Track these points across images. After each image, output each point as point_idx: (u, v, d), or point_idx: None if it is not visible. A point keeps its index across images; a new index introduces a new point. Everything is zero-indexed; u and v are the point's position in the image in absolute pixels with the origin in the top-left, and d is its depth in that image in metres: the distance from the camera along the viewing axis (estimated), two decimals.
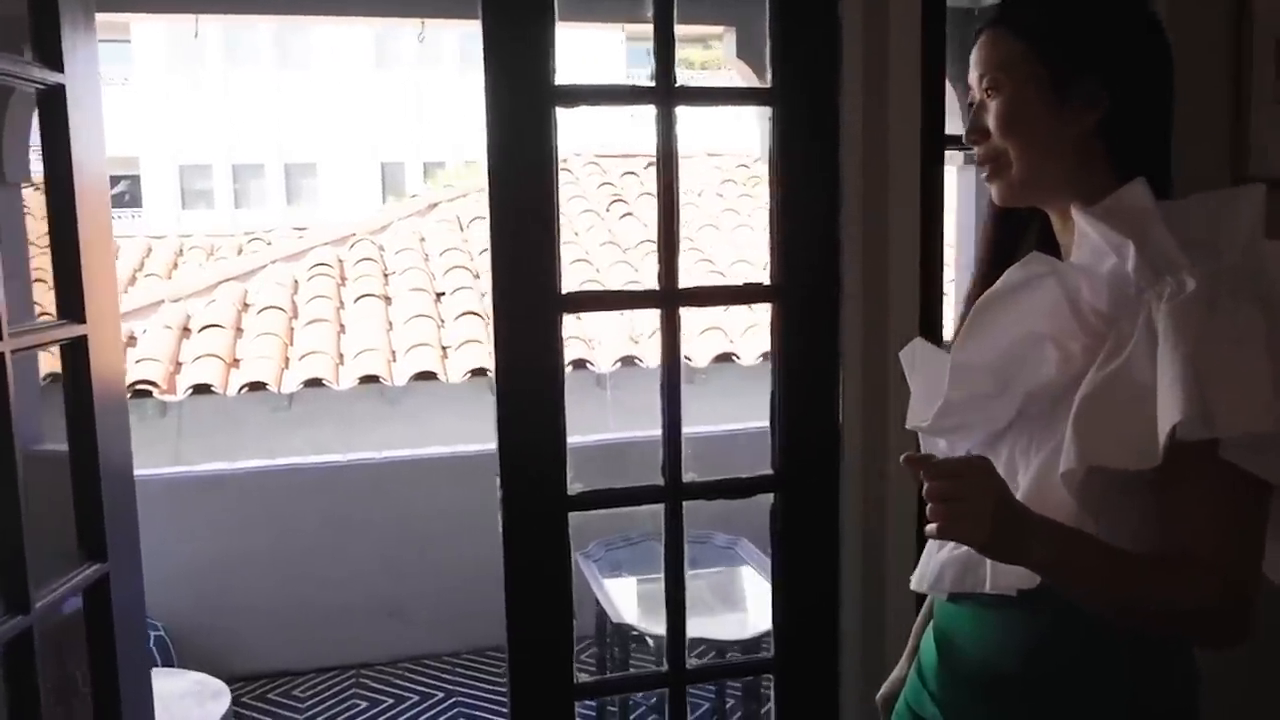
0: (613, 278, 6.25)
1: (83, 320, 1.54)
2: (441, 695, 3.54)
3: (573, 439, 4.15)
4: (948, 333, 3.28)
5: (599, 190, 7.43)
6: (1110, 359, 1.00)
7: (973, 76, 1.15)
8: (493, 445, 4.06)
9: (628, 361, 5.38)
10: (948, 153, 1.92)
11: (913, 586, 1.28)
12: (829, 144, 1.86)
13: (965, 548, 1.13)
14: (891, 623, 1.98)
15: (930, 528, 0.97)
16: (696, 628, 2.84)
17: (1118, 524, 1.01)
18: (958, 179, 3.52)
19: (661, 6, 1.75)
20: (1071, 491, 1.01)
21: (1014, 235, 1.25)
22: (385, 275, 6.26)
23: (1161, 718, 1.11)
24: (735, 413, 4.01)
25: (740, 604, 3.18)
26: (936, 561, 1.19)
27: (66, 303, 1.53)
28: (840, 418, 1.93)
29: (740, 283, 5.91)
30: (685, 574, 1.92)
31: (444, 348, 5.50)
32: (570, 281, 6.74)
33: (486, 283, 6.59)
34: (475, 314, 5.77)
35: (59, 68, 1.51)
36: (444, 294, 6.05)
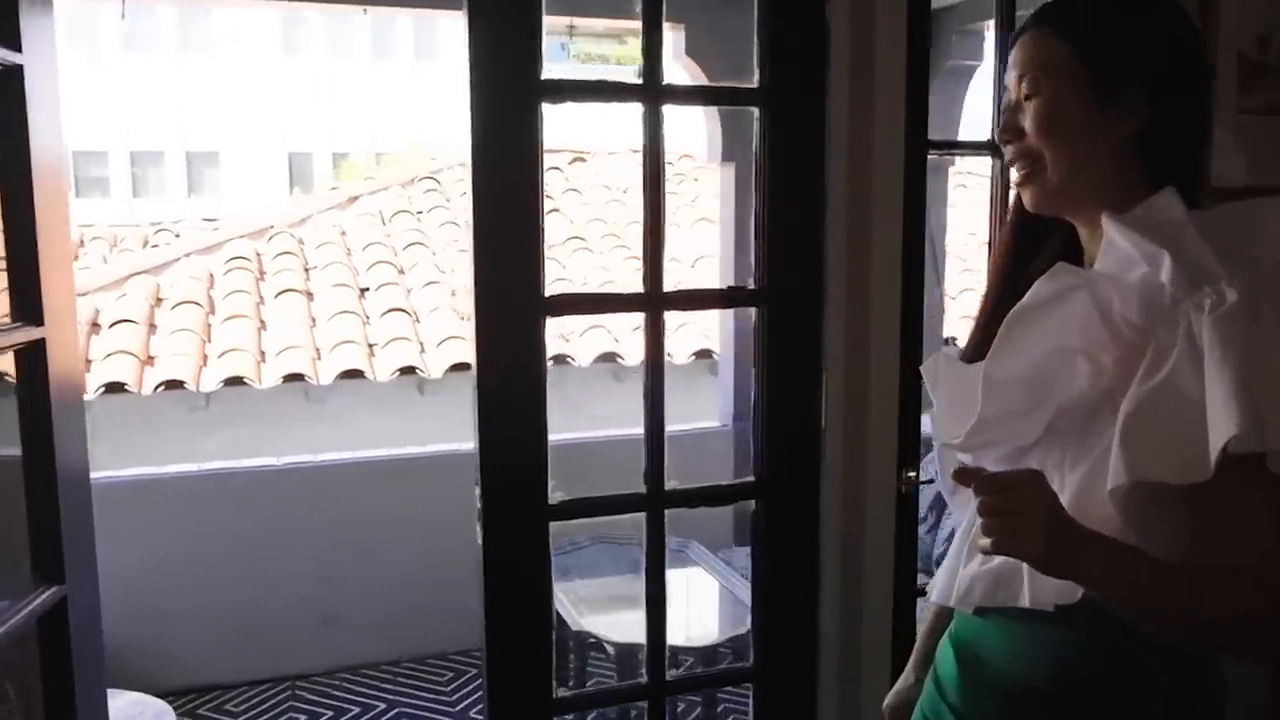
0: None
1: (40, 322, 1.42)
2: (384, 705, 3.42)
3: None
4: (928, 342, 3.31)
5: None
6: (1153, 372, 0.99)
7: (1011, 76, 1.13)
8: (432, 448, 3.98)
9: (559, 360, 5.31)
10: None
11: (934, 600, 1.26)
12: (816, 146, 1.84)
13: (997, 561, 1.12)
14: (868, 625, 1.98)
15: (984, 543, 0.94)
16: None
17: (1152, 536, 1.00)
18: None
19: (650, 5, 1.70)
20: (1117, 506, 1.00)
21: (1035, 243, 1.24)
22: (306, 270, 6.06)
23: None
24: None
25: (698, 609, 3.15)
26: (965, 575, 1.17)
27: (22, 303, 1.41)
28: (823, 422, 1.91)
29: (673, 282, 5.91)
30: (661, 581, 1.88)
31: (370, 345, 5.35)
32: None
33: (412, 278, 6.43)
34: (402, 310, 5.63)
35: (16, 46, 1.39)
36: (368, 290, 5.89)
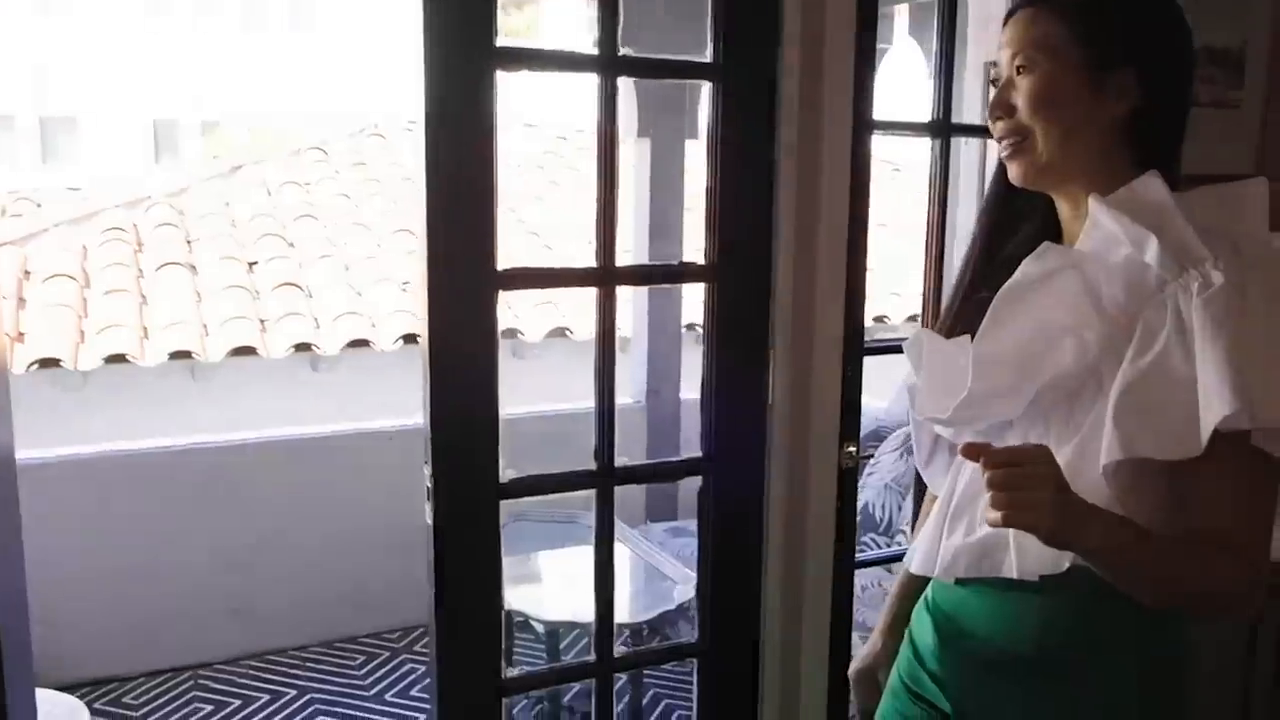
0: None
1: None
2: (294, 693, 3.32)
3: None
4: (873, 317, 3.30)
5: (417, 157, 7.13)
6: (1143, 351, 1.03)
7: (1004, 54, 1.15)
8: (334, 427, 3.87)
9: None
10: None
11: (914, 570, 1.28)
12: (767, 123, 1.84)
13: (981, 533, 1.15)
14: (809, 599, 2.01)
15: (994, 516, 0.96)
16: (582, 612, 2.80)
17: (1137, 509, 1.04)
18: None
19: None
20: (1107, 481, 1.04)
21: (1014, 220, 1.27)
22: (189, 242, 5.78)
23: (1164, 689, 1.16)
24: (569, 389, 3.97)
25: (621, 586, 3.14)
26: (949, 547, 1.19)
27: None
28: (770, 398, 1.92)
29: (571, 260, 5.85)
30: (610, 558, 1.87)
31: (261, 321, 5.15)
32: (395, 254, 6.42)
33: (302, 252, 6.20)
34: (294, 285, 5.44)
35: None
36: (256, 263, 5.66)
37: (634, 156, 3.70)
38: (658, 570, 3.06)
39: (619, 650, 2.31)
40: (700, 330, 1.92)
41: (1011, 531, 1.08)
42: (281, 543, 3.62)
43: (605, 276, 1.77)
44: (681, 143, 3.76)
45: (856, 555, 2.09)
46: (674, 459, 1.95)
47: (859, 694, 1.43)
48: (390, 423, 3.85)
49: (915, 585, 1.41)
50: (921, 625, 1.30)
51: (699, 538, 1.96)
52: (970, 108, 3.16)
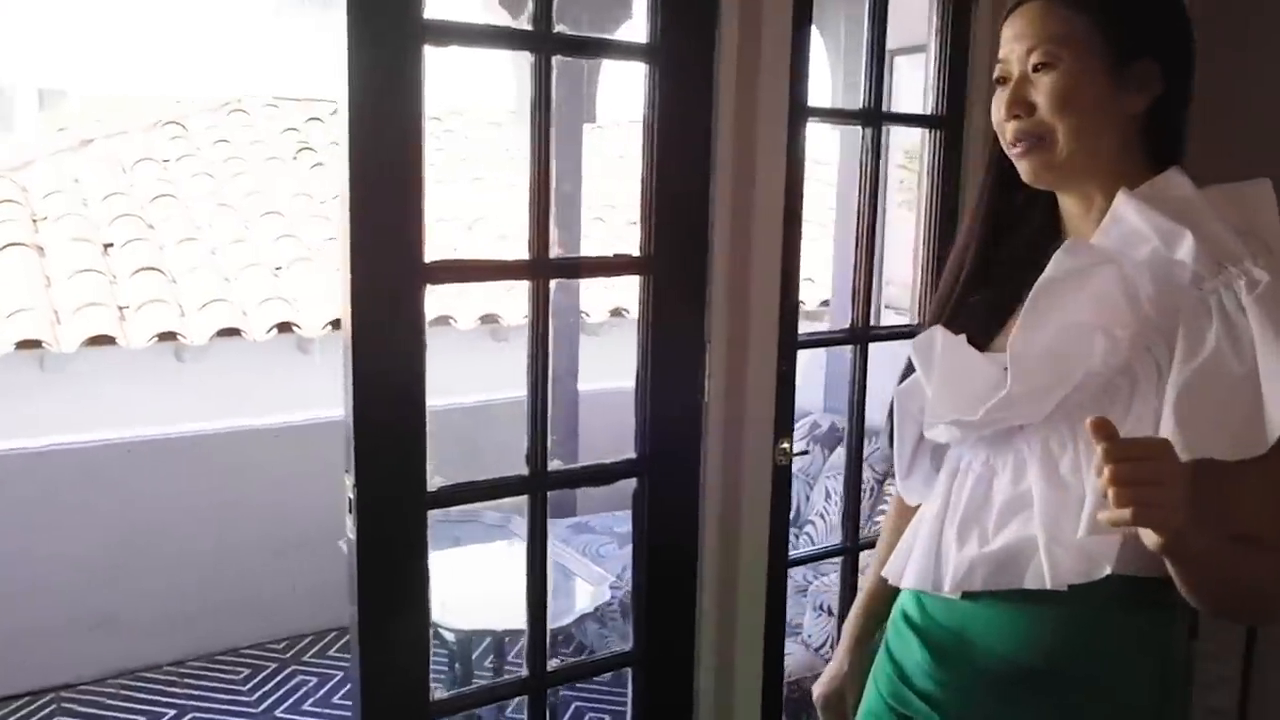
0: (311, 233, 5.77)
1: None
2: (173, 712, 3.07)
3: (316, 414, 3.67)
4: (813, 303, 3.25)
5: (283, 136, 6.80)
6: (1194, 351, 0.99)
7: (1016, 49, 1.09)
8: (209, 425, 3.62)
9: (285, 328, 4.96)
10: None
11: (910, 585, 1.20)
12: (704, 108, 1.76)
13: (1001, 542, 1.09)
14: (743, 600, 1.95)
15: (1119, 514, 0.87)
16: (495, 619, 2.68)
17: None
18: None
19: None
20: None
21: (1015, 219, 1.22)
22: (34, 221, 5.35)
23: (1175, 692, 1.13)
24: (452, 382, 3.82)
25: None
26: (963, 559, 1.12)
27: None
28: (705, 396, 1.85)
29: (448, 247, 5.67)
30: (544, 567, 1.77)
31: (120, 308, 4.80)
32: (264, 237, 6.13)
33: (163, 234, 5.83)
34: (155, 269, 5.09)
35: None
36: (112, 245, 5.28)
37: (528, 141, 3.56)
38: (565, 570, 2.96)
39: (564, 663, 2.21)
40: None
41: (1042, 539, 1.04)
42: (152, 550, 3.36)
43: (539, 269, 1.66)
44: (580, 126, 3.65)
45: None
46: (607, 461, 1.85)
47: (828, 718, 1.37)
48: (273, 419, 3.63)
49: (882, 600, 1.36)
50: (904, 642, 1.23)
51: (634, 543, 1.87)
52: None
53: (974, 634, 1.14)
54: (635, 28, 3.69)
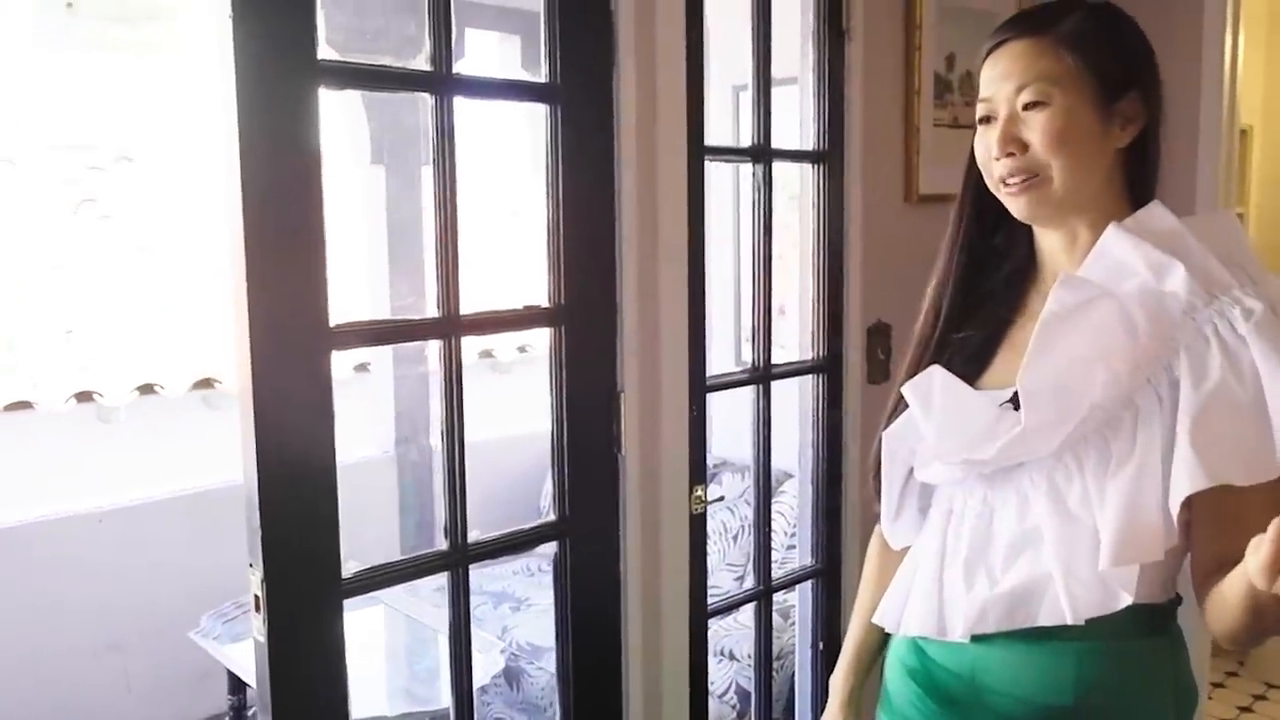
0: (107, 290, 5.30)
1: None
2: None
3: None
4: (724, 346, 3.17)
5: (64, 188, 6.23)
6: (1201, 380, 0.99)
7: (1004, 87, 1.09)
8: (25, 515, 3.21)
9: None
10: None
11: (914, 633, 1.17)
12: (606, 149, 1.70)
13: (1011, 582, 1.07)
14: (667, 654, 1.88)
15: None
16: (397, 705, 2.47)
17: (1186, 539, 1.03)
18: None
19: None
20: (1181, 512, 0.99)
21: (994, 256, 1.21)
22: None
23: (1189, 711, 1.14)
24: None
25: (406, 658, 2.84)
26: (974, 601, 1.09)
27: None
28: (621, 448, 1.77)
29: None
30: (468, 649, 1.64)
31: None
32: (51, 298, 5.48)
33: None
34: None
35: None
36: None
37: (366, 186, 3.39)
38: (434, 633, 2.78)
39: None
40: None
41: (1059, 574, 1.03)
42: None
43: (448, 327, 1.54)
44: (418, 170, 3.49)
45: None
46: (526, 526, 1.73)
47: None
48: (95, 503, 3.27)
49: (870, 651, 1.32)
50: (905, 693, 1.20)
51: (556, 609, 1.76)
52: (721, 124, 3.20)
53: (986, 677, 1.12)
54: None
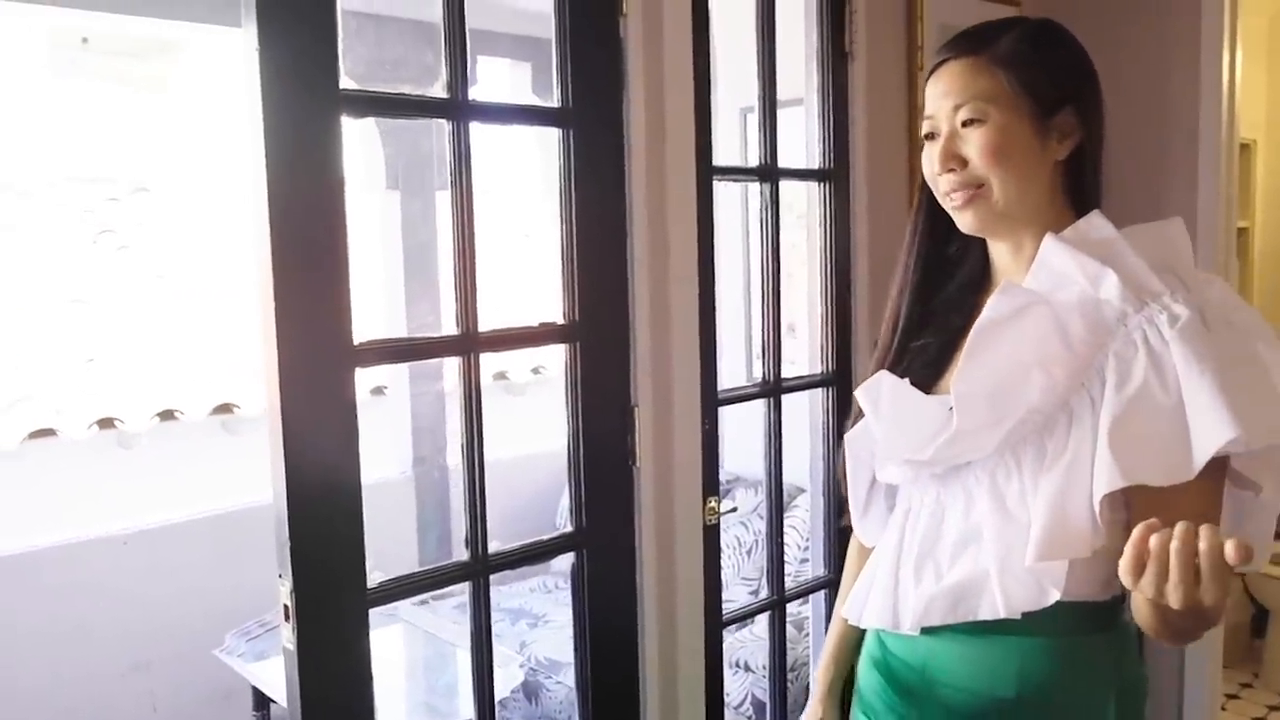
0: (124, 319, 5.39)
1: None
2: None
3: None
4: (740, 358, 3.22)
5: (83, 218, 6.34)
6: (1124, 383, 1.04)
7: (944, 105, 1.14)
8: (43, 541, 3.27)
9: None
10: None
11: (870, 624, 1.24)
12: (617, 170, 1.75)
13: (953, 577, 1.12)
14: (684, 664, 1.92)
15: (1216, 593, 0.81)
16: (394, 717, 2.51)
17: (1114, 538, 1.04)
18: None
19: (453, 9, 1.52)
20: (1101, 511, 1.03)
21: (948, 266, 1.27)
22: None
23: (1135, 709, 1.19)
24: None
25: (430, 675, 2.87)
26: (921, 596, 1.15)
27: None
28: (636, 460, 1.81)
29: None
30: (490, 660, 1.68)
31: None
32: (72, 327, 5.57)
33: None
34: None
35: None
36: None
37: (382, 211, 3.46)
38: (453, 649, 2.82)
39: None
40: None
41: (994, 570, 1.08)
42: None
43: (467, 344, 1.59)
44: (432, 194, 3.56)
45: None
46: (545, 537, 1.78)
47: None
48: (119, 526, 3.32)
49: (849, 642, 1.38)
50: (871, 680, 1.26)
51: (575, 620, 1.80)
52: (729, 146, 3.26)
53: (936, 669, 1.17)
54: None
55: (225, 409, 4.73)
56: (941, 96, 1.15)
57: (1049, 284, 1.10)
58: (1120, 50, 2.55)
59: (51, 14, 5.27)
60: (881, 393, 1.21)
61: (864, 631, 1.32)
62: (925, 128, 1.18)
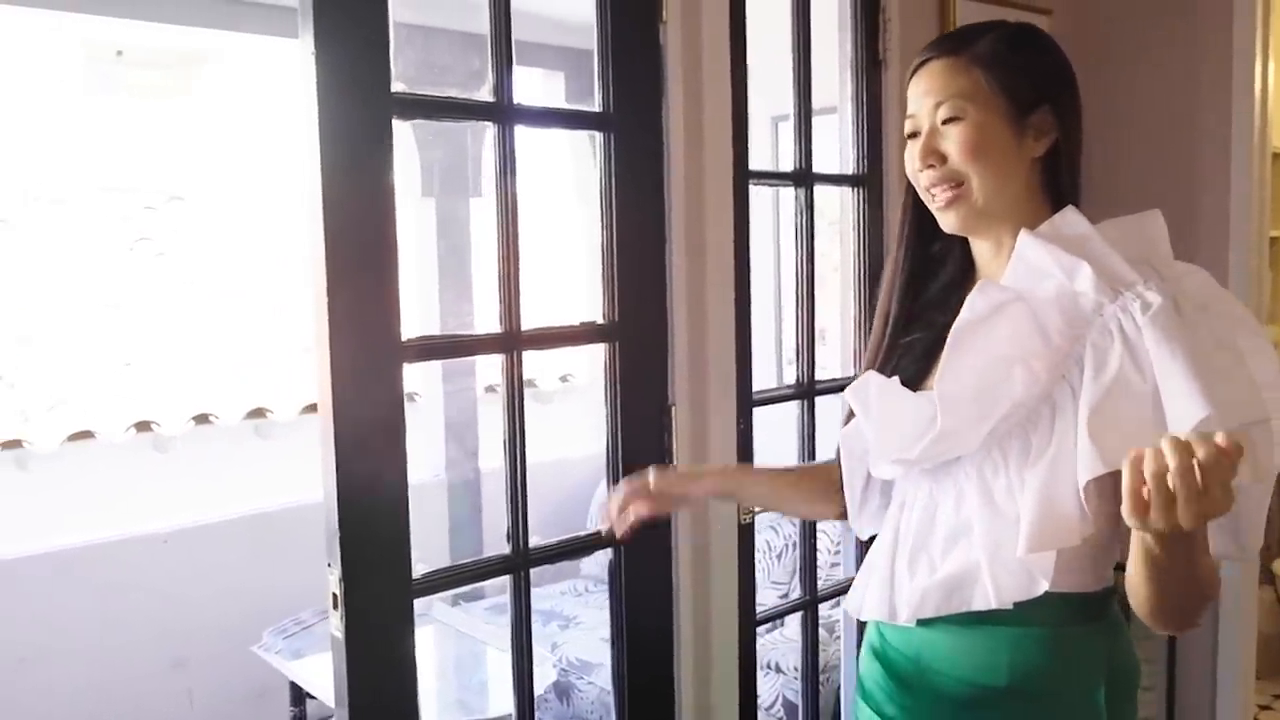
0: (163, 323, 5.47)
1: None
2: None
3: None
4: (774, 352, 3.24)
5: (120, 226, 6.45)
6: (1100, 371, 1.06)
7: (923, 103, 1.18)
8: (82, 539, 3.33)
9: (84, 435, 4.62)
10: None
11: (868, 618, 1.26)
12: (656, 174, 1.79)
13: (945, 571, 1.15)
14: (718, 663, 1.94)
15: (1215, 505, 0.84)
16: (430, 712, 2.55)
17: (1097, 528, 1.08)
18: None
19: (499, 17, 1.56)
20: (1088, 499, 1.05)
21: (933, 265, 1.29)
22: None
23: (1126, 699, 1.20)
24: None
25: (464, 673, 2.91)
26: (915, 589, 1.18)
27: None
28: (674, 460, 1.84)
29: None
30: (529, 654, 1.71)
31: None
32: (109, 332, 5.67)
33: None
34: None
35: None
36: None
37: (418, 218, 3.52)
38: (488, 649, 2.85)
39: None
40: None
41: (985, 562, 1.10)
42: (26, 676, 3.05)
43: (510, 342, 1.63)
44: (467, 201, 3.62)
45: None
46: (583, 533, 1.81)
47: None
48: (156, 526, 3.38)
49: (733, 483, 1.55)
50: (870, 669, 1.29)
51: (612, 616, 1.83)
52: (761, 154, 3.29)
53: (931, 659, 1.20)
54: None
55: (258, 413, 4.80)
56: (923, 95, 1.18)
57: (1026, 278, 1.13)
58: (1150, 57, 2.57)
59: (86, 27, 5.36)
60: (870, 393, 1.24)
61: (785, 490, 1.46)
62: (908, 127, 1.21)
